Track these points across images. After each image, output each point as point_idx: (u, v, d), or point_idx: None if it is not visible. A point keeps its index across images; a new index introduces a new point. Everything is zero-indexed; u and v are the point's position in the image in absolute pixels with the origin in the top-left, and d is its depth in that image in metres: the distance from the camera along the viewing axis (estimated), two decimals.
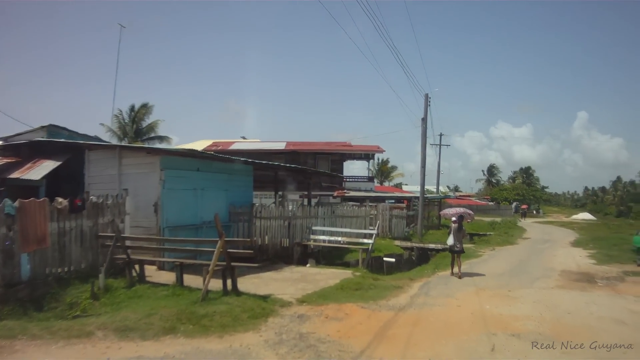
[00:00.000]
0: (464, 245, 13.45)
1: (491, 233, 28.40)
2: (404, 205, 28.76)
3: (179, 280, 9.21)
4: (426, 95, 26.83)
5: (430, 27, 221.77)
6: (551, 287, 11.27)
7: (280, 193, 17.64)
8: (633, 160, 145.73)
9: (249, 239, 9.51)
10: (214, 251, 8.57)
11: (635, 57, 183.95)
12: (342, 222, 18.62)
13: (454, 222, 13.15)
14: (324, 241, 16.03)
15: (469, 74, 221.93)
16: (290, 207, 16.56)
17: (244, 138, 39.71)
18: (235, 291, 8.71)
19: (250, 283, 9.97)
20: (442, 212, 22.46)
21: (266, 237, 14.67)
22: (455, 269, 12.78)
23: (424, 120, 26.40)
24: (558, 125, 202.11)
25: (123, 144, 30.38)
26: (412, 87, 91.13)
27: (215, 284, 8.61)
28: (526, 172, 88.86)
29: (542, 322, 7.81)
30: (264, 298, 8.57)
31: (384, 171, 67.14)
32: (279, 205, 16.29)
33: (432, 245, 21.27)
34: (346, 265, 15.35)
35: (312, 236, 15.97)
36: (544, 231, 32.34)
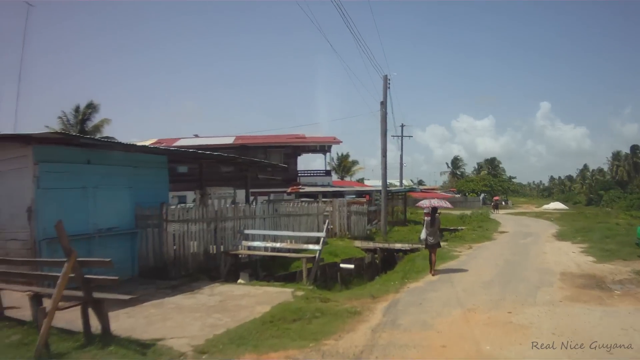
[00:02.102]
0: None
1: (463, 227, 26.20)
2: (364, 200, 25.75)
3: (37, 317, 6.33)
4: (385, 77, 24.81)
5: (386, 16, 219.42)
6: (560, 301, 8.34)
7: (202, 190, 14.09)
8: (597, 148, 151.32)
9: (108, 260, 6.02)
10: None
11: (596, 46, 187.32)
12: (287, 222, 15.27)
13: (426, 214, 12.04)
14: (260, 248, 12.46)
15: (428, 67, 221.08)
16: (216, 206, 13.00)
17: (196, 136, 37.64)
18: (105, 336, 5.99)
19: (143, 317, 7.32)
20: (418, 204, 20.08)
21: (184, 246, 11.44)
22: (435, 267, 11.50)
23: (384, 104, 24.20)
24: (520, 116, 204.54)
25: None
26: (371, 78, 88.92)
27: (93, 322, 6.07)
28: (491, 163, 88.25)
29: None
30: (145, 348, 5.74)
31: (345, 166, 64.32)
32: (201, 204, 12.63)
33: (398, 245, 18.34)
34: (291, 278, 12.18)
35: (243, 242, 12.28)
36: (519, 223, 29.93)
